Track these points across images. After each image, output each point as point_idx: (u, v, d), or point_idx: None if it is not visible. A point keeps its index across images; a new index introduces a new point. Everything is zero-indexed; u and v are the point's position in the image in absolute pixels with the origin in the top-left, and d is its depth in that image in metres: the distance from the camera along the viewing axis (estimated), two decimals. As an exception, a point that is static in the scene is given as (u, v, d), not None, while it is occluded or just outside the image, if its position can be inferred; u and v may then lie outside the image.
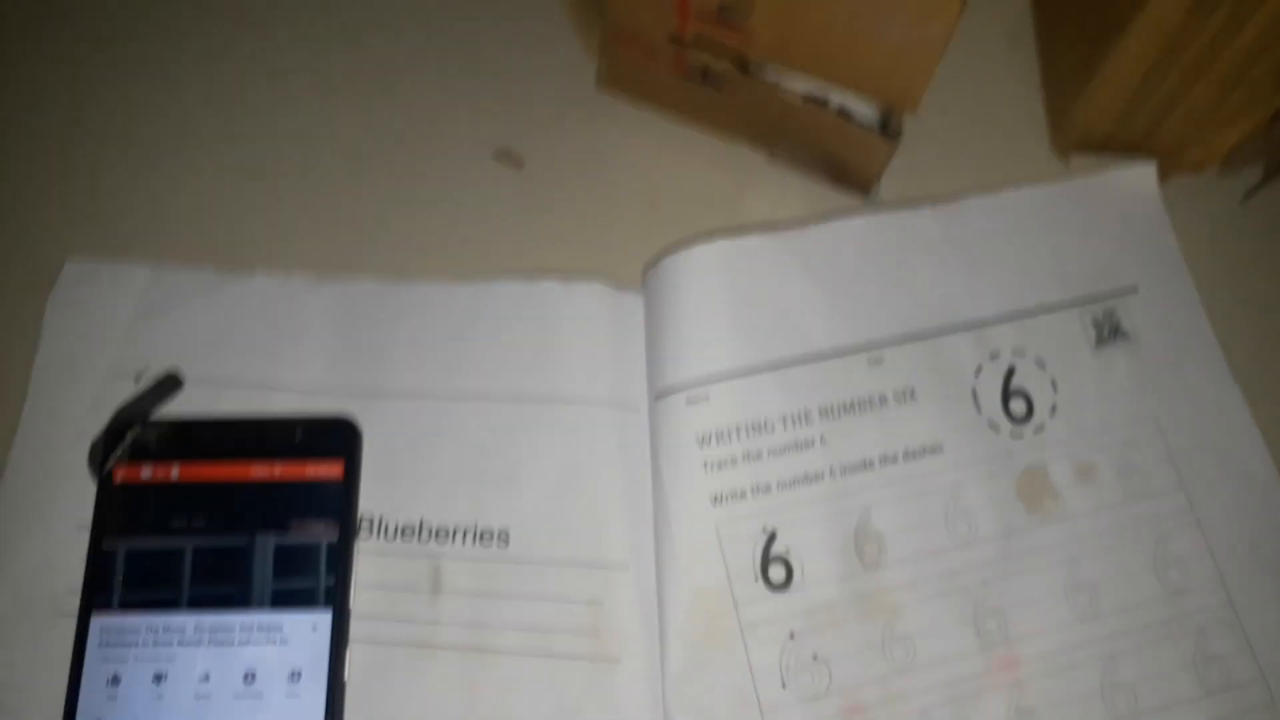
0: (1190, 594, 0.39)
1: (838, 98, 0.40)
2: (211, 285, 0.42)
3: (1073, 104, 0.44)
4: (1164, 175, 0.45)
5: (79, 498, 0.39)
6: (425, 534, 0.39)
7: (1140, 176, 0.45)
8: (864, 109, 0.40)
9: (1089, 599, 0.38)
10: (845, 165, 0.43)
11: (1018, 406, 0.41)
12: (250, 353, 0.41)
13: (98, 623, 0.37)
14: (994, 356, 0.41)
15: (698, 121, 0.46)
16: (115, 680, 0.36)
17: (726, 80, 0.41)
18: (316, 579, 0.38)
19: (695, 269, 0.41)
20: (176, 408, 0.40)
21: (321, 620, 0.37)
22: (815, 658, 0.37)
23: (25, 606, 0.38)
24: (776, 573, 0.38)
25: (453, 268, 0.43)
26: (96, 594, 0.37)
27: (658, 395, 0.40)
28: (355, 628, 0.37)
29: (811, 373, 0.40)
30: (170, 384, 0.41)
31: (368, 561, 0.39)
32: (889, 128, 0.40)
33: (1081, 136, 0.45)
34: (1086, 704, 0.37)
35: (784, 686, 0.37)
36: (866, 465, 0.40)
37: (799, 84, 0.40)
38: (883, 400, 0.40)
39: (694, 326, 0.40)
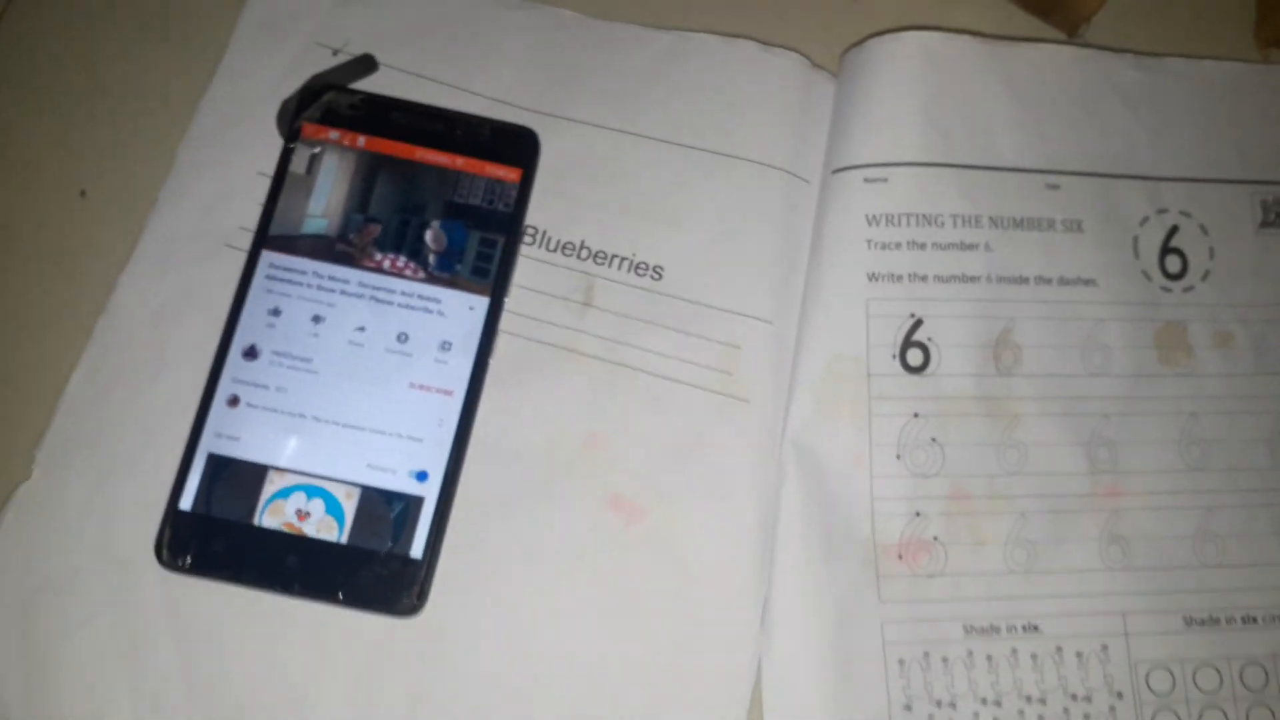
0: (1298, 471, 0.44)
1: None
2: (427, -21, 0.47)
3: (1285, -2, 0.48)
4: (1363, 84, 0.49)
5: (263, 149, 0.44)
6: (584, 253, 0.44)
7: (1340, 80, 0.48)
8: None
9: (1200, 452, 0.43)
10: (1062, -1, 0.47)
11: (1173, 263, 0.45)
12: (446, 53, 0.46)
13: (267, 257, 0.42)
14: (1161, 211, 0.46)
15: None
16: (276, 311, 0.42)
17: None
18: (480, 266, 0.43)
19: (899, 54, 0.45)
20: (368, 88, 0.45)
21: (479, 303, 0.42)
22: (933, 440, 0.42)
23: (196, 234, 0.43)
24: (914, 356, 0.43)
25: (654, 14, 0.48)
26: (269, 230, 0.42)
27: (835, 169, 0.45)
28: (506, 321, 0.43)
29: (991, 181, 0.45)
30: (366, 63, 0.46)
31: (528, 266, 0.43)
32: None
33: (1287, 32, 0.49)
34: (1178, 545, 0.42)
35: (898, 458, 0.42)
36: (1022, 280, 0.44)
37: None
38: (1051, 224, 0.45)
39: (887, 108, 0.45)
